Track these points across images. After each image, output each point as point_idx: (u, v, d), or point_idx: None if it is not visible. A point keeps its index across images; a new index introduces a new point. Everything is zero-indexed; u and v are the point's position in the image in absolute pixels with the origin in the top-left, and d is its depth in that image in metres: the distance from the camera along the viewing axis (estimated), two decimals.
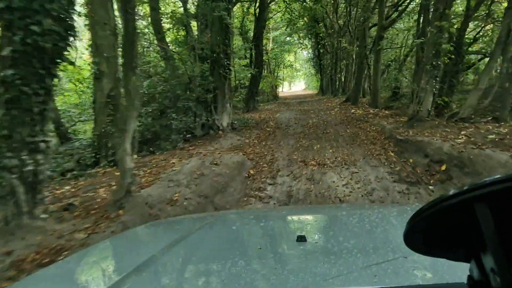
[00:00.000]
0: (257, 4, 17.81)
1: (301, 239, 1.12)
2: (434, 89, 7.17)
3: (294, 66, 39.57)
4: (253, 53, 19.17)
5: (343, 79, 24.25)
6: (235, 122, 9.82)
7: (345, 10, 22.24)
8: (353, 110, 12.02)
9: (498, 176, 0.39)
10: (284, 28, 25.70)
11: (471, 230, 0.48)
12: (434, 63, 6.98)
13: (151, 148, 7.12)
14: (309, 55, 36.29)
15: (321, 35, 25.64)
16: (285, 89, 46.49)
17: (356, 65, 14.90)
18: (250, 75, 17.30)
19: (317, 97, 27.23)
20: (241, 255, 1.15)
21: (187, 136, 7.82)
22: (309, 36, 27.96)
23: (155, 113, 7.52)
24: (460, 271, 0.60)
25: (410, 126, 7.27)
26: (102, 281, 1.07)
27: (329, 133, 9.23)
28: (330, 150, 7.42)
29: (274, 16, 25.34)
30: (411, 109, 7.83)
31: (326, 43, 25.31)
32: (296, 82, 54.45)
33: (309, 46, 33.60)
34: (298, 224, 1.64)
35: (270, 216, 1.77)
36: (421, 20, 10.89)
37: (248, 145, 8.31)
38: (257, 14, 18.13)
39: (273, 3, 23.72)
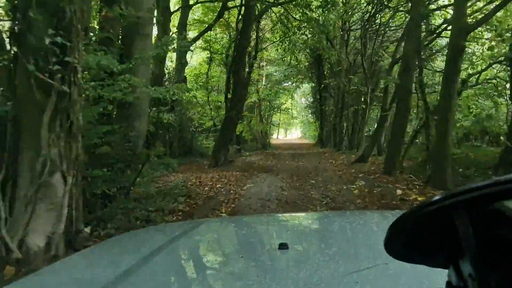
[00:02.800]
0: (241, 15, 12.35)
1: (283, 246, 1.09)
2: None
3: (290, 112, 35.21)
4: (230, 83, 13.40)
5: (350, 129, 18.73)
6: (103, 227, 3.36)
7: (357, 43, 17.18)
8: (399, 191, 5.76)
9: (476, 183, 0.40)
10: (281, 59, 20.45)
11: (450, 237, 0.48)
12: None
13: None
14: (307, 102, 31.81)
15: (324, 73, 20.43)
16: (280, 136, 45.62)
17: (395, 104, 8.88)
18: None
19: (315, 149, 21.59)
20: (222, 263, 1.17)
21: None
22: (311, 74, 22.76)
23: None
24: (439, 277, 0.58)
25: None
26: None
27: None
28: None
29: (268, 46, 20.24)
30: None
31: (331, 84, 19.90)
32: (293, 130, 52.89)
33: (308, 91, 28.86)
34: (280, 231, 1.61)
35: (252, 224, 1.77)
36: None
37: None
38: (239, 29, 12.65)
39: (266, 26, 18.74)
